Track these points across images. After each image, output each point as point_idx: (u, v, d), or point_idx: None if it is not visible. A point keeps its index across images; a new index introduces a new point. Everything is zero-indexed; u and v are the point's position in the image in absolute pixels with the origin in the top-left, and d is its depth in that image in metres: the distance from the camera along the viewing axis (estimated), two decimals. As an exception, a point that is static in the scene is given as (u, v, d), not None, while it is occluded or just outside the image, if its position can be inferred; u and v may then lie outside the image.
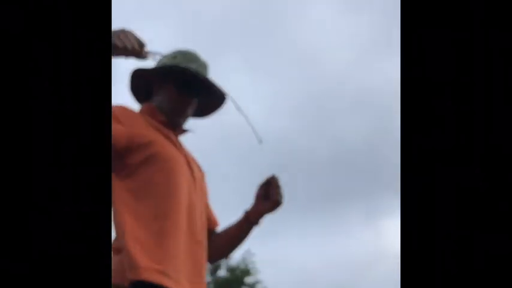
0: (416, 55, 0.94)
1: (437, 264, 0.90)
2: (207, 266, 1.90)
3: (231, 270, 22.50)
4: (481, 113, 0.92)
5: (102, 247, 0.98)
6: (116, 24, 1.47)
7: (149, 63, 1.86)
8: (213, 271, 22.39)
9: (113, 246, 1.66)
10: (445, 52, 0.94)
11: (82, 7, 1.02)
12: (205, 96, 2.00)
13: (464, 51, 0.94)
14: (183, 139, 1.98)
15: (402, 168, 0.94)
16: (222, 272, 22.57)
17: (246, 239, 2.00)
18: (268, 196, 1.95)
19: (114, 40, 1.55)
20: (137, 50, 1.63)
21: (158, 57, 1.91)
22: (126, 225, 1.67)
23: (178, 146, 1.91)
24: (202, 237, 1.83)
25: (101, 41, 1.02)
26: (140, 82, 2.01)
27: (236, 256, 22.45)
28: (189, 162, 1.90)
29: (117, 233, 1.68)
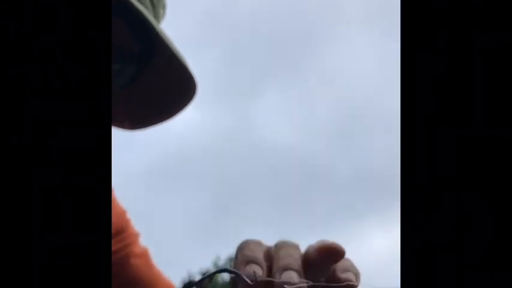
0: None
1: (437, 270, 0.91)
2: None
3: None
4: (483, 128, 0.92)
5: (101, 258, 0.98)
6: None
7: None
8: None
9: None
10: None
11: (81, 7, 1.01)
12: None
13: (465, 53, 0.94)
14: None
15: (402, 170, 0.94)
16: (224, 274, 22.61)
17: None
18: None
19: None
20: None
21: None
22: None
23: None
24: None
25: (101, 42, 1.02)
26: None
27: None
28: None
29: None
